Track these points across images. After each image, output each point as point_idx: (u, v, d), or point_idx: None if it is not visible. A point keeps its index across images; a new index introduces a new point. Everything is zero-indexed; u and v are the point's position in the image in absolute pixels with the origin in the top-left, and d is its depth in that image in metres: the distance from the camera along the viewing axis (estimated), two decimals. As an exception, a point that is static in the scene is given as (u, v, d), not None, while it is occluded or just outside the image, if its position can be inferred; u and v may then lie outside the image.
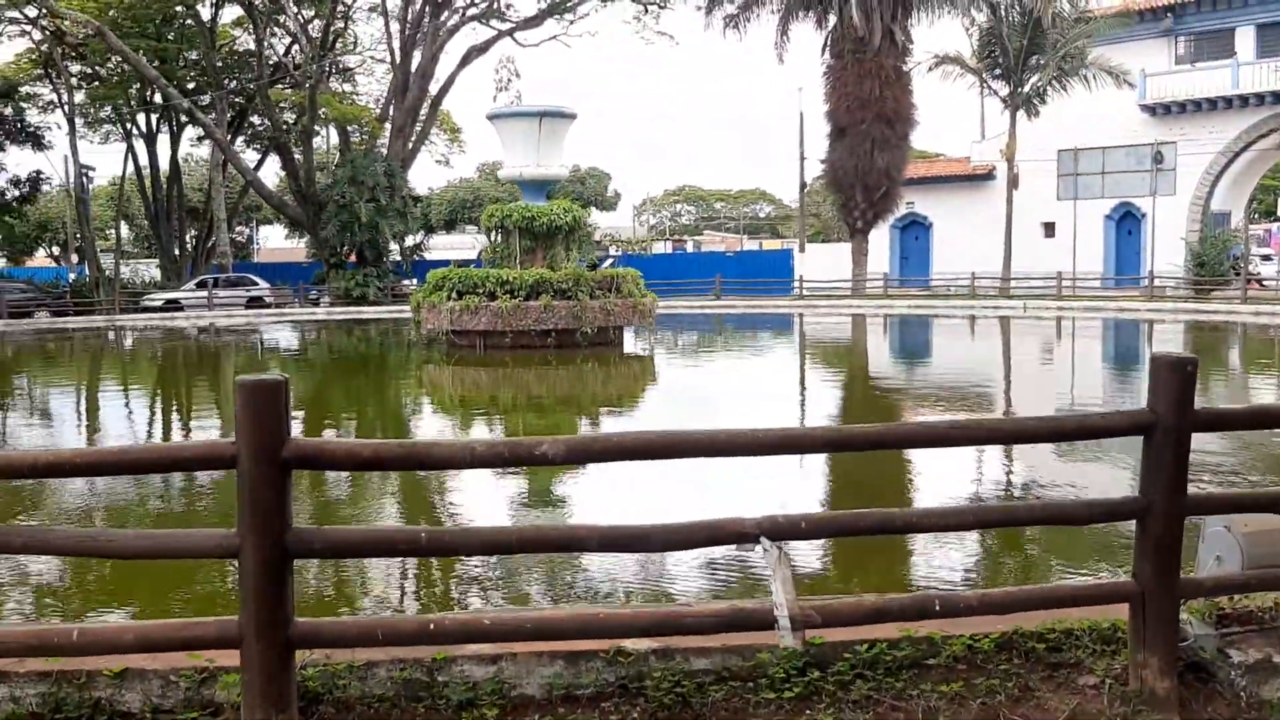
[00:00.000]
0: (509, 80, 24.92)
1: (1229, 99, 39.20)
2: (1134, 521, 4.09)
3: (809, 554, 6.89)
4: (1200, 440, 10.23)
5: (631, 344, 24.87)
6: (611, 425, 13.42)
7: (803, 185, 55.37)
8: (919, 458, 9.98)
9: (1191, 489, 4.11)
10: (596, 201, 71.43)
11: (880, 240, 44.99)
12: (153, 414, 16.48)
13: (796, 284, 42.20)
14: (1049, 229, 42.70)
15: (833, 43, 38.55)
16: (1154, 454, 3.97)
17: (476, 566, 6.68)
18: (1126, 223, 42.15)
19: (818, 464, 9.76)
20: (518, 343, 22.04)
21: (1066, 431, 4.22)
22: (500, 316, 21.83)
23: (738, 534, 4.05)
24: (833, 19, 38.15)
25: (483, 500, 9.08)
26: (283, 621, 3.67)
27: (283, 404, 3.71)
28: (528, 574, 6.55)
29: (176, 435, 13.77)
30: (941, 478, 9.64)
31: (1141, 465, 4.03)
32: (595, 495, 9.22)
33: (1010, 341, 27.13)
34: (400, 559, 6.26)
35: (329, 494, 9.28)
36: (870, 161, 37.42)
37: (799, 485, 9.10)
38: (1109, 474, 9.36)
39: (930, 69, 39.96)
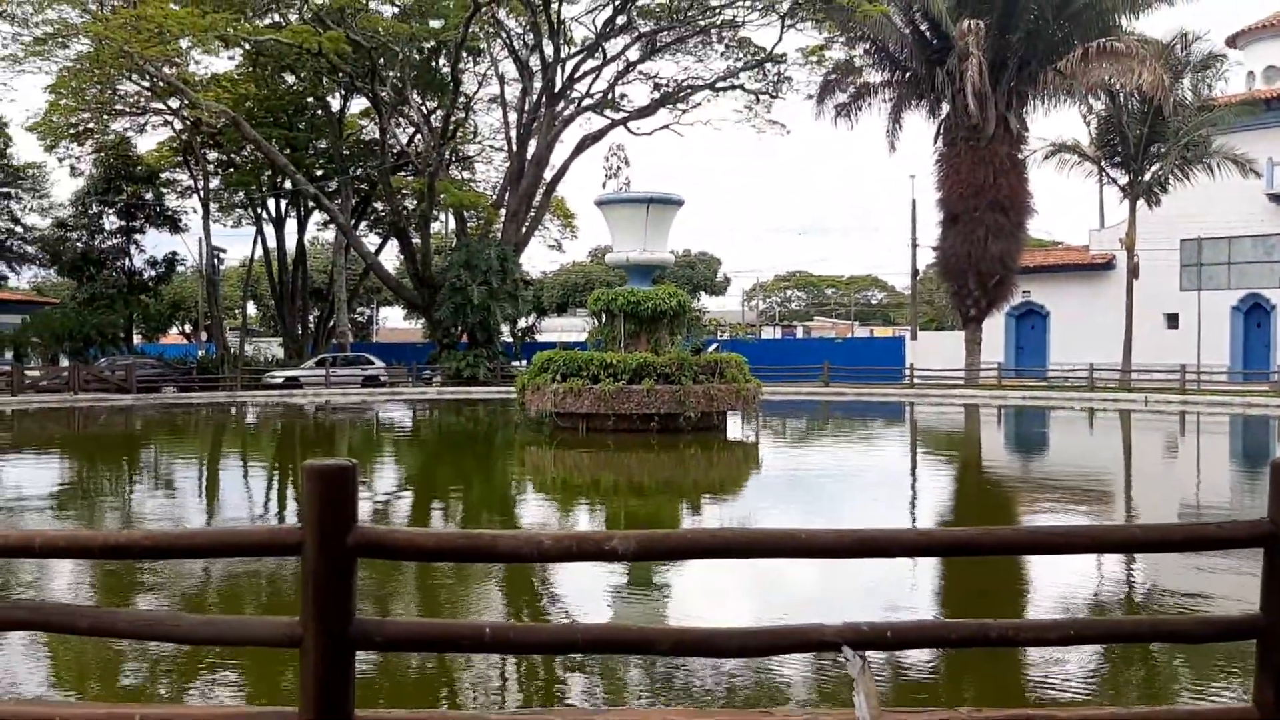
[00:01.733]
0: (618, 167, 25.36)
1: (1365, 188, 37.64)
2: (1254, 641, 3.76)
3: (899, 662, 6.55)
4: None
5: (735, 429, 24.63)
6: (711, 513, 13.19)
7: (915, 272, 54.82)
8: (1022, 563, 9.52)
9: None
10: (705, 286, 71.81)
11: (995, 329, 44.07)
12: (247, 490, 16.83)
13: (907, 372, 41.46)
14: (1171, 320, 41.30)
15: (945, 130, 38.34)
16: (1276, 568, 3.65)
17: (553, 660, 6.52)
18: (1255, 314, 40.50)
19: (912, 567, 9.38)
20: (620, 426, 22.02)
21: (1174, 542, 3.91)
22: (603, 399, 21.88)
23: (818, 642, 3.84)
24: (945, 107, 38.00)
25: (566, 589, 8.94)
26: (343, 717, 3.59)
27: (349, 490, 3.66)
28: (600, 664, 6.37)
29: (259, 513, 13.98)
30: (1047, 584, 9.16)
31: (1262, 580, 3.71)
32: (678, 590, 8.99)
33: (1130, 437, 26.06)
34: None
35: (413, 576, 9.26)
36: (984, 249, 36.84)
37: (891, 589, 8.73)
38: (1246, 583, 8.76)
39: (1046, 157, 39.38)
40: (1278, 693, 3.67)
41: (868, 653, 3.84)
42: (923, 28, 38.29)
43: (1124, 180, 38.15)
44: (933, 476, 18.54)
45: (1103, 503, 14.44)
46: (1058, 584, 9.11)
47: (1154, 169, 37.30)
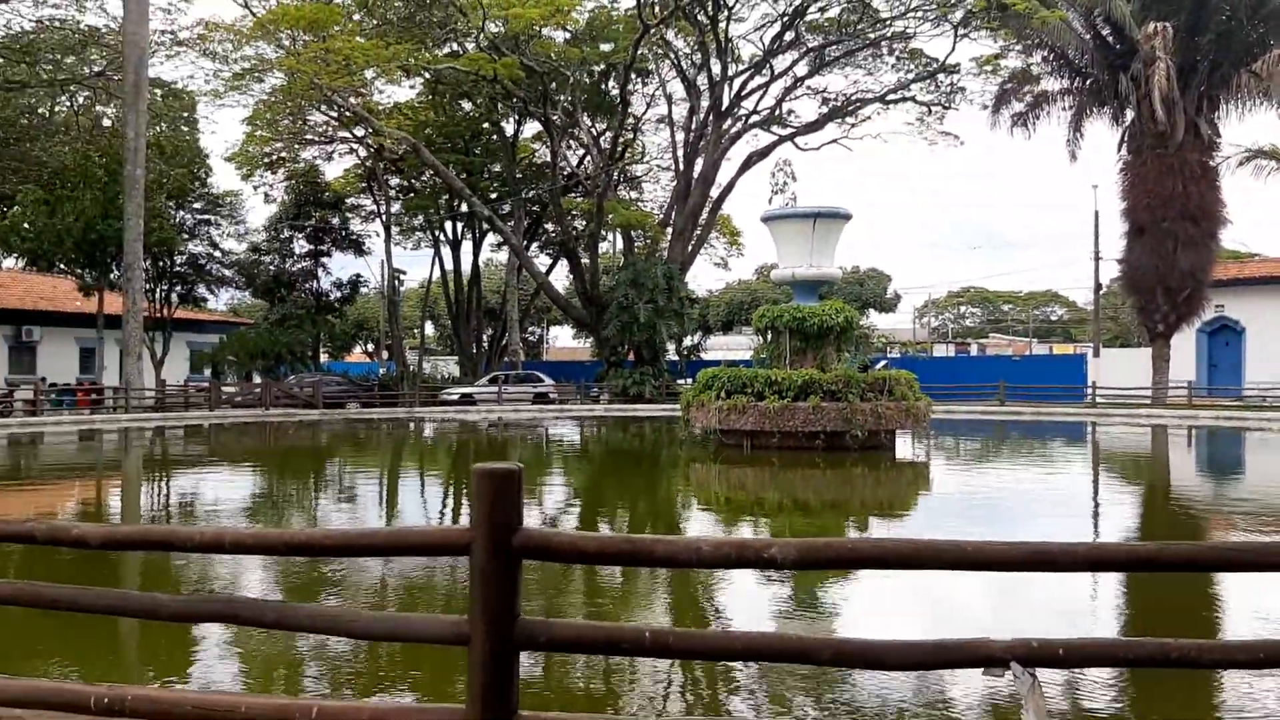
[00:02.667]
0: (785, 183, 25.20)
1: None
2: None
3: (1077, 686, 6.26)
4: None
5: (905, 449, 24.07)
6: (877, 531, 12.93)
7: (1098, 287, 52.58)
8: (1210, 584, 8.98)
9: None
10: (875, 303, 70.63)
11: (1185, 346, 41.76)
12: (423, 497, 17.42)
13: (1089, 390, 39.71)
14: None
15: (1130, 138, 36.71)
16: None
17: (716, 668, 6.50)
18: None
19: (1091, 587, 8.97)
20: (785, 444, 21.84)
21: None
22: (767, 416, 21.74)
23: (985, 657, 3.71)
24: (1130, 114, 36.39)
25: (731, 599, 8.91)
26: (507, 715, 3.67)
27: (516, 493, 3.76)
28: (758, 675, 6.31)
29: (434, 518, 14.48)
30: (1237, 605, 8.62)
31: None
32: (843, 602, 8.84)
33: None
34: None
35: (583, 580, 9.39)
36: (1172, 262, 35.05)
37: (1067, 606, 8.38)
38: None
39: (1241, 164, 37.27)
40: None
41: (1038, 671, 3.70)
42: (1104, 32, 36.81)
43: (1330, 187, 35.69)
44: (1114, 500, 17.68)
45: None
46: (1250, 605, 8.57)
47: (1364, 174, 34.76)
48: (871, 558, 4.02)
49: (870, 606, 8.87)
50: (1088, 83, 37.70)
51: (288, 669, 6.72)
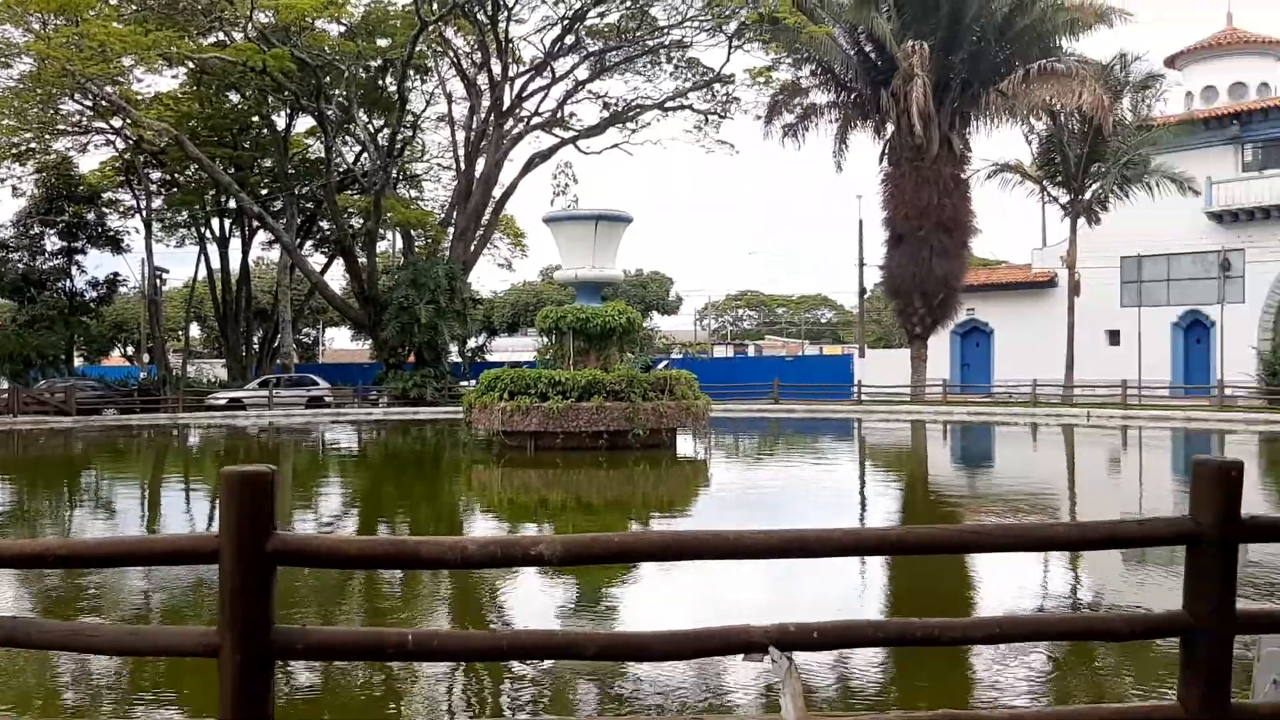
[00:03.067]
0: (566, 185, 25.33)
1: (1298, 206, 38.55)
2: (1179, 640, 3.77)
3: (828, 666, 6.54)
4: (1265, 554, 9.77)
5: (685, 447, 24.61)
6: (658, 528, 13.13)
7: (862, 291, 55.31)
8: (954, 566, 9.58)
9: (1244, 605, 3.79)
10: (658, 305, 71.90)
11: (941, 346, 44.53)
12: (183, 505, 16.53)
13: (856, 389, 41.75)
14: (1113, 336, 41.97)
15: (890, 151, 38.80)
16: (1198, 566, 3.67)
17: (480, 670, 6.43)
18: (1195, 330, 41.28)
19: (843, 571, 9.42)
20: (569, 444, 21.93)
21: (1096, 539, 3.92)
22: (551, 417, 21.78)
23: (745, 644, 3.80)
24: (890, 128, 38.45)
25: (519, 599, 8.85)
26: (259, 728, 3.49)
27: (268, 496, 3.58)
28: (531, 676, 6.29)
29: (190, 527, 13.76)
30: (978, 586, 9.24)
31: (1185, 578, 3.73)
32: (621, 599, 8.94)
33: (1073, 450, 26.40)
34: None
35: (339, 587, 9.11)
36: (929, 268, 37.28)
37: (821, 593, 8.77)
38: (1174, 586, 8.88)
39: (989, 176, 40.02)
40: (1201, 690, 3.68)
41: (796, 654, 3.81)
42: (867, 49, 38.77)
43: (1065, 199, 38.77)
44: (879, 490, 18.64)
45: (1044, 512, 14.59)
46: (1002, 585, 9.19)
47: (1094, 188, 37.94)
48: (638, 551, 4.06)
49: (647, 600, 9.00)
50: (852, 97, 39.62)
51: (43, 691, 6.19)
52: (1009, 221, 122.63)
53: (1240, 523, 3.65)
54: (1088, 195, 37.97)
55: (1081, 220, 38.20)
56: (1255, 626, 3.86)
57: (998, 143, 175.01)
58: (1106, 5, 37.35)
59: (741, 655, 3.91)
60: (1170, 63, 44.86)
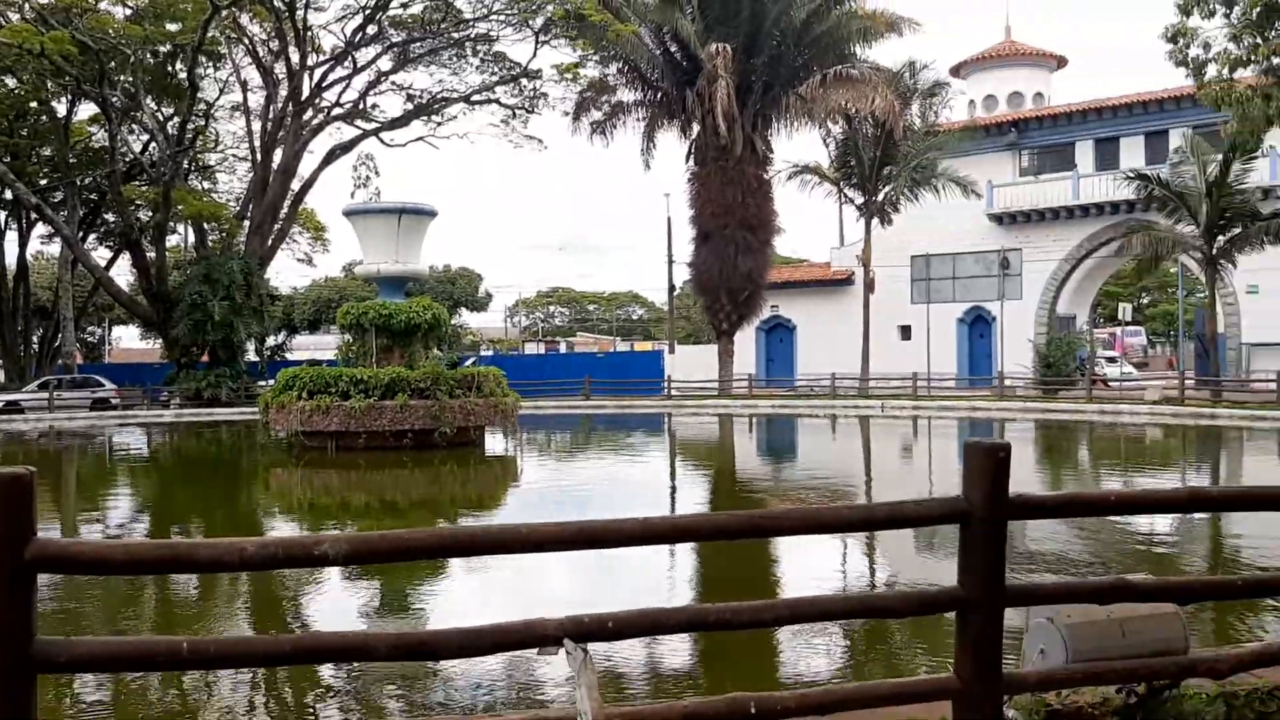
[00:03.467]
0: (368, 177, 24.61)
1: (1070, 209, 41.41)
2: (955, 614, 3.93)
3: (630, 655, 6.58)
4: (1035, 530, 10.37)
5: (495, 444, 24.38)
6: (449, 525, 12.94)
7: (671, 288, 56.12)
8: (758, 553, 9.83)
9: (1016, 579, 3.98)
10: (467, 302, 71.04)
11: (747, 342, 45.73)
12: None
13: (666, 384, 42.38)
14: (905, 331, 44.01)
15: (696, 150, 39.50)
16: (970, 543, 3.83)
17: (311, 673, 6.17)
18: (978, 326, 43.76)
19: (652, 563, 9.52)
20: (372, 443, 21.35)
21: (878, 520, 4.05)
22: (353, 416, 21.16)
23: (540, 637, 3.75)
24: (696, 128, 39.14)
25: (307, 603, 8.53)
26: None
27: (26, 499, 3.32)
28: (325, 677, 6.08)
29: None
30: (779, 571, 9.50)
31: (959, 555, 3.89)
32: (424, 599, 8.76)
33: (869, 439, 27.56)
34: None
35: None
36: (734, 266, 38.12)
37: (628, 584, 8.83)
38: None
39: (790, 177, 41.31)
40: (975, 661, 3.84)
41: (590, 645, 3.78)
42: (673, 49, 39.34)
43: (860, 200, 40.42)
44: (687, 483, 18.94)
45: (842, 497, 15.14)
46: (802, 569, 9.47)
47: (886, 190, 39.70)
48: (428, 547, 3.94)
49: (454, 598, 8.84)
50: (659, 96, 40.15)
51: None
52: (810, 221, 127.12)
53: (1008, 501, 3.83)
54: (881, 197, 39.68)
55: (876, 220, 39.89)
56: (1024, 599, 4.06)
57: (799, 145, 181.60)
58: (897, 15, 39.11)
59: (536, 649, 3.86)
60: (955, 72, 47.44)
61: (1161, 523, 12.01)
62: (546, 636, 3.74)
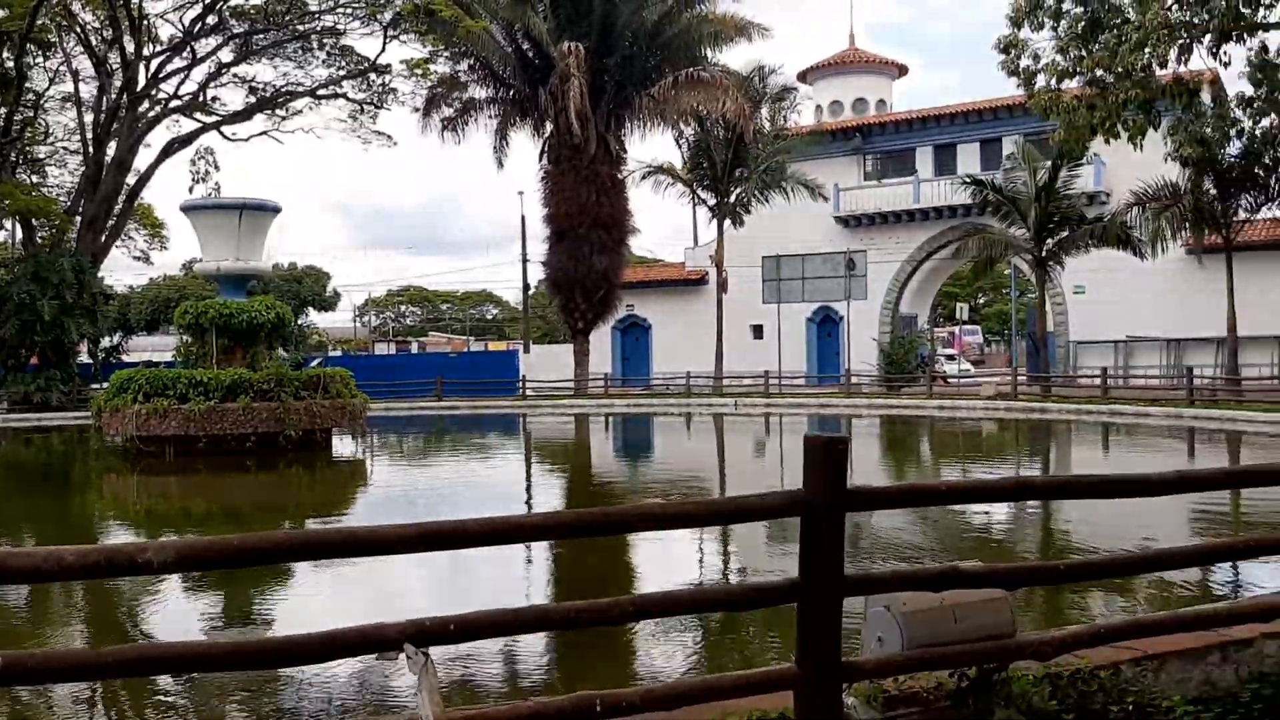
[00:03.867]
0: (207, 172, 23.68)
1: (911, 212, 42.91)
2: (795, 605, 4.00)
3: (487, 658, 6.51)
4: (882, 522, 10.68)
5: (342, 447, 23.79)
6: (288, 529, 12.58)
7: (526, 287, 55.92)
8: (598, 550, 9.85)
9: (854, 569, 4.08)
10: (314, 301, 69.05)
11: (603, 341, 45.87)
12: None
13: (521, 384, 42.13)
14: (757, 330, 44.86)
15: (550, 149, 39.36)
16: (809, 534, 3.90)
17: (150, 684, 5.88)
18: (826, 325, 44.94)
19: (510, 563, 9.46)
20: (213, 448, 20.54)
21: (724, 513, 4.10)
22: (193, 420, 20.33)
23: (379, 642, 3.66)
24: (549, 126, 39.01)
25: (160, 611, 8.17)
26: None
27: None
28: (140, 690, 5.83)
29: None
30: (636, 568, 9.55)
31: (800, 546, 3.95)
32: (271, 605, 8.48)
33: (722, 437, 27.99)
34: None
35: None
36: (589, 265, 38.14)
37: (470, 585, 8.76)
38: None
39: (644, 177, 41.61)
40: (815, 650, 3.91)
41: (432, 649, 3.71)
42: (525, 47, 39.12)
43: (713, 201, 41.01)
44: (542, 483, 18.87)
45: (697, 494, 15.30)
46: (657, 565, 9.53)
47: (738, 191, 40.38)
48: (263, 551, 3.80)
49: (303, 605, 8.58)
50: (511, 94, 39.86)
51: None
52: (665, 221, 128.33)
53: (846, 493, 3.91)
54: (733, 198, 40.34)
55: (728, 221, 40.54)
56: (862, 588, 4.16)
57: (654, 146, 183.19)
58: (747, 20, 39.73)
59: (376, 655, 3.77)
60: (802, 77, 48.59)
61: (999, 512, 12.54)
62: (387, 641, 3.66)
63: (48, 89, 42.35)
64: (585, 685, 5.92)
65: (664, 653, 6.75)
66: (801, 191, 39.71)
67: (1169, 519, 11.15)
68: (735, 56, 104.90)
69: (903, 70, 51.17)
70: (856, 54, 50.07)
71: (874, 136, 45.03)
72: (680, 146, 41.83)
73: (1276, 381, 27.60)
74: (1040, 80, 18.87)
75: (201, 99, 40.76)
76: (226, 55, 40.35)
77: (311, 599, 8.77)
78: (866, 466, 19.14)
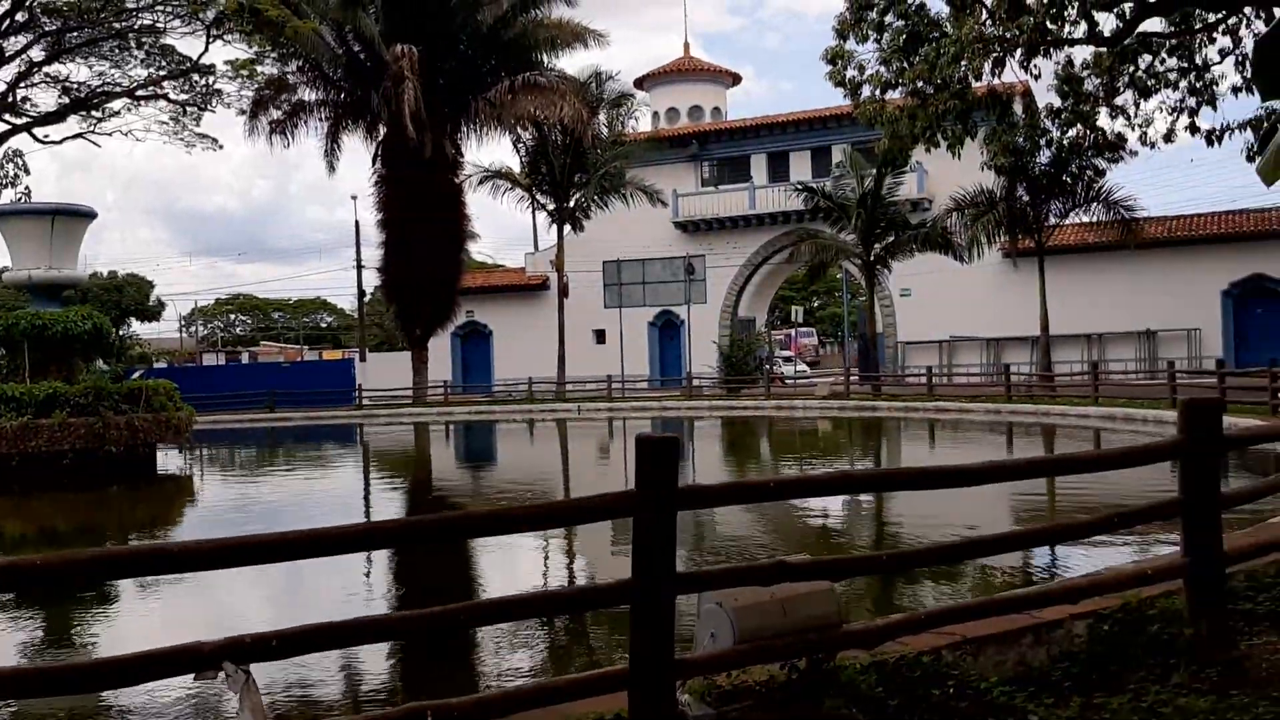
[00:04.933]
0: (17, 176, 22.44)
1: (748, 218, 43.82)
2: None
3: (324, 672, 6.33)
4: (724, 520, 10.84)
5: (168, 463, 22.77)
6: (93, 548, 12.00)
7: (361, 294, 54.77)
8: (440, 558, 9.74)
9: (690, 567, 4.12)
10: (136, 311, 66.10)
11: (442, 348, 45.24)
12: None
13: (357, 394, 41.18)
14: (600, 335, 45.06)
15: (384, 153, 38.62)
16: (641, 533, 3.93)
17: None
18: (668, 329, 45.48)
19: (345, 573, 9.24)
20: (27, 467, 19.30)
21: (560, 515, 4.08)
22: (5, 437, 19.08)
23: (195, 661, 3.51)
24: (383, 130, 38.29)
25: None
26: None
27: None
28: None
29: None
30: (481, 574, 9.46)
31: (632, 545, 3.97)
32: (87, 626, 8.05)
33: (565, 442, 27.99)
34: None
35: None
36: (426, 271, 37.52)
37: (303, 600, 8.53)
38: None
39: (481, 182, 41.29)
40: (648, 648, 3.93)
41: (252, 666, 3.58)
42: (356, 49, 38.30)
43: (552, 206, 40.99)
44: (378, 496, 18.48)
45: (539, 498, 15.25)
46: (504, 571, 9.45)
47: (577, 196, 40.48)
48: (62, 569, 3.61)
49: (122, 626, 8.17)
50: (343, 96, 38.97)
51: None
52: (504, 226, 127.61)
53: (676, 491, 3.95)
54: (572, 203, 40.42)
55: (568, 226, 40.59)
56: (693, 585, 4.21)
57: (494, 150, 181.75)
58: (583, 26, 39.86)
59: (193, 675, 3.62)
60: (640, 84, 49.04)
61: (834, 507, 12.92)
62: (204, 659, 3.52)
63: None
64: (422, 696, 5.83)
65: (508, 660, 6.69)
66: (640, 197, 40.08)
67: (993, 509, 11.70)
68: (573, 62, 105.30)
69: (736, 79, 52.23)
70: (691, 62, 50.86)
71: (710, 143, 45.83)
72: (519, 151, 41.70)
73: (1086, 377, 29.29)
74: (865, 90, 19.48)
75: (10, 99, 38.40)
76: (38, 53, 38.15)
77: (136, 620, 8.37)
78: (706, 465, 19.45)
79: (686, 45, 52.32)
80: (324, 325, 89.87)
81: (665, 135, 45.56)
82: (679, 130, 46.82)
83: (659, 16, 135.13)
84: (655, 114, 49.45)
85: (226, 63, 37.68)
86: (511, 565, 9.89)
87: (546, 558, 10.40)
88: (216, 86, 39.12)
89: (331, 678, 6.32)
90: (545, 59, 39.63)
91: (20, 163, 22.84)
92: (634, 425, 31.22)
